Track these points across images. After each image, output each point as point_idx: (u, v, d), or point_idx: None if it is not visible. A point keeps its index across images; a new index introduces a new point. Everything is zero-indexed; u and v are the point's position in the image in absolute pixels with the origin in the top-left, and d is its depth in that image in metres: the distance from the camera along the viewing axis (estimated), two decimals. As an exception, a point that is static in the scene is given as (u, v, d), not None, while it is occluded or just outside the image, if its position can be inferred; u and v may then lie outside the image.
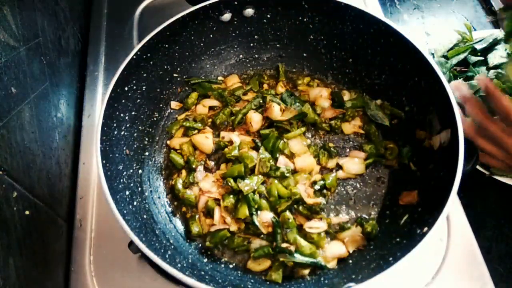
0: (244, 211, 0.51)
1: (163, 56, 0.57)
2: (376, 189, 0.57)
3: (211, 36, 0.60)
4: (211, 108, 0.65)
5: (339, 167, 0.58)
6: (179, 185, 0.57)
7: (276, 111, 0.60)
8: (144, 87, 0.56)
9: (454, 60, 0.71)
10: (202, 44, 0.62)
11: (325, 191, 0.56)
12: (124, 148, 0.53)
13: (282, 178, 0.55)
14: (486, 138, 0.52)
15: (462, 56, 0.71)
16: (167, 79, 0.59)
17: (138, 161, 0.56)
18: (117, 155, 0.51)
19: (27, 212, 0.46)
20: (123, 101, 0.53)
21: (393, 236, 0.44)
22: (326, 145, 0.59)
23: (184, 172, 0.59)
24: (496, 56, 0.69)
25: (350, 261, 0.50)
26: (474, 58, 0.70)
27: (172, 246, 0.46)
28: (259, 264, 0.51)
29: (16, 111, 0.47)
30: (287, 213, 0.52)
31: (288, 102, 0.62)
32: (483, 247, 0.53)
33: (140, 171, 0.56)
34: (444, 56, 0.72)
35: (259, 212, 0.53)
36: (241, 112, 0.62)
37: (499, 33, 0.71)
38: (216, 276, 0.45)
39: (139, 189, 0.53)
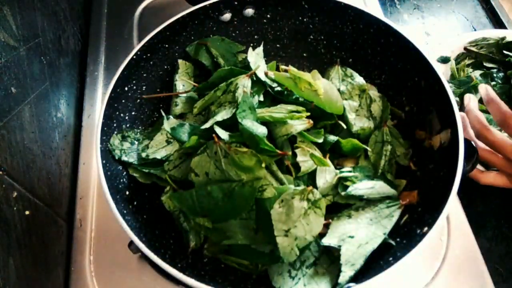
0: None
1: (163, 56, 0.57)
2: (376, 189, 0.56)
3: (211, 36, 0.60)
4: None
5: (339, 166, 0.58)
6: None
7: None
8: (144, 87, 0.56)
9: None
10: (202, 44, 0.62)
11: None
12: (124, 148, 0.53)
13: None
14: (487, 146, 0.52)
15: None
16: (167, 79, 0.59)
17: (138, 161, 0.56)
18: (117, 155, 0.51)
19: (27, 212, 0.46)
20: (123, 101, 0.52)
21: (393, 236, 0.44)
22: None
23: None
24: None
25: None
26: None
27: (172, 246, 0.46)
28: None
29: (16, 111, 0.47)
30: None
31: None
32: (483, 247, 0.53)
33: (140, 171, 0.56)
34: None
35: None
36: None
37: (493, 34, 0.71)
38: (216, 276, 0.45)
39: (139, 188, 0.53)
